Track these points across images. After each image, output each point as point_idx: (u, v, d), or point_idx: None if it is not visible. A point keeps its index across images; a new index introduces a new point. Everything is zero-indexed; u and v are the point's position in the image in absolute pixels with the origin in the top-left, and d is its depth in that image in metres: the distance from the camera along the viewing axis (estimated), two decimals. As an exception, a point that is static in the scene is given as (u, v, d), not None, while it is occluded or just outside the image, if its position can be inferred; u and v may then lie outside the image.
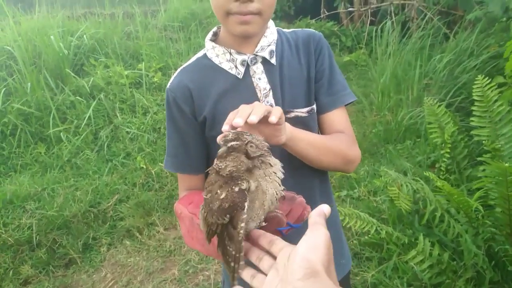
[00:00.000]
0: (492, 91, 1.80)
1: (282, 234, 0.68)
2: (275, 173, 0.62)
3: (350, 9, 6.14)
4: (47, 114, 3.70)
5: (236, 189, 0.59)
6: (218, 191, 0.60)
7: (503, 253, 1.57)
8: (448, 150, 2.08)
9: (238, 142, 0.60)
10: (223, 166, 0.60)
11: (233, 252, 0.59)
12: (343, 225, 1.82)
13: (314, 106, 0.92)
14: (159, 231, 2.75)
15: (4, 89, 3.75)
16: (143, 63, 4.35)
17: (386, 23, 4.65)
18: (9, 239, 2.61)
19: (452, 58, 3.58)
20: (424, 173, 1.76)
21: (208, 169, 0.65)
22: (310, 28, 4.56)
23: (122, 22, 5.43)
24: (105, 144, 3.53)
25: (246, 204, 0.58)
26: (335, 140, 0.89)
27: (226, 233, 0.60)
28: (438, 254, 1.63)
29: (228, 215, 0.59)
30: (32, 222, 2.71)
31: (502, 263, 1.59)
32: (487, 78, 1.83)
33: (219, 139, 0.62)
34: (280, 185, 0.63)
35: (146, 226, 2.80)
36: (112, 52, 4.53)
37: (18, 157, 3.45)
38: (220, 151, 0.61)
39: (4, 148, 3.48)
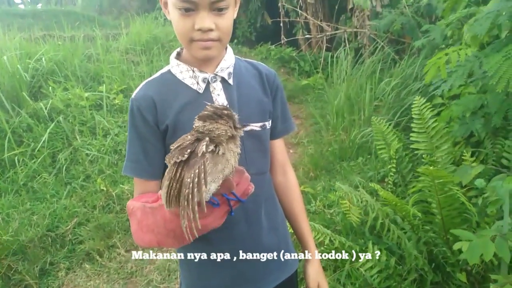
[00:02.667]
0: (427, 110, 2.01)
1: (230, 208, 0.78)
2: (237, 149, 0.74)
3: (308, 36, 6.47)
4: (2, 137, 3.60)
5: (204, 143, 0.69)
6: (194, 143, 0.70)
7: (441, 256, 1.73)
8: (394, 165, 2.26)
9: (228, 112, 0.73)
10: (212, 128, 0.70)
11: (192, 176, 0.64)
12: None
13: (266, 123, 1.04)
14: (120, 253, 2.72)
15: (-45, 112, 3.62)
16: (104, 85, 4.35)
17: (340, 49, 4.96)
18: (-41, 267, 2.49)
19: (399, 82, 3.88)
20: (370, 185, 1.91)
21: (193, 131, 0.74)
22: (270, 53, 4.73)
23: (83, 45, 5.42)
24: (64, 167, 3.47)
25: (207, 138, 0.68)
26: (302, 202, 1.18)
27: (186, 167, 0.67)
28: (386, 260, 1.77)
29: (188, 150, 0.67)
30: (-15, 248, 2.61)
31: (442, 265, 1.75)
32: (423, 98, 2.05)
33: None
34: (236, 161, 0.74)
35: (106, 248, 2.77)
36: (72, 75, 4.50)
37: (-30, 182, 3.32)
38: (209, 113, 0.72)
39: (-46, 173, 3.34)
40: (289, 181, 1.15)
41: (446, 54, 1.79)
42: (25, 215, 2.93)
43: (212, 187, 0.71)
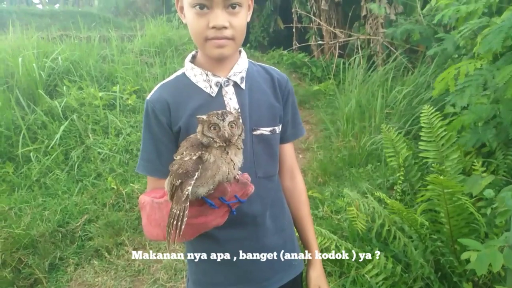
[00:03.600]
0: (436, 118, 2.01)
1: (230, 208, 0.81)
2: (232, 159, 0.78)
3: (320, 42, 6.49)
4: (17, 133, 3.68)
5: (194, 157, 0.73)
6: (184, 153, 0.75)
7: (448, 265, 1.72)
8: (403, 173, 2.26)
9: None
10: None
11: (177, 211, 0.71)
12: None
13: (276, 128, 1.06)
14: (128, 251, 2.76)
15: (-27, 107, 3.72)
16: (118, 85, 4.42)
17: (353, 56, 4.97)
18: (-28, 258, 2.55)
19: (412, 90, 3.87)
20: (376, 194, 1.91)
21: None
22: (283, 58, 4.76)
23: (98, 46, 5.51)
24: (76, 165, 3.53)
25: (197, 173, 0.72)
26: (308, 207, 1.20)
27: (175, 196, 0.73)
28: (392, 267, 1.77)
29: (179, 180, 0.73)
30: (-3, 241, 2.67)
31: (449, 275, 1.74)
32: (432, 107, 2.05)
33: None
34: (234, 169, 0.78)
35: (115, 246, 2.81)
36: (86, 74, 4.58)
37: (-15, 176, 3.40)
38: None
39: (-30, 167, 3.42)
40: (297, 185, 1.17)
41: (456, 69, 1.80)
42: (37, 210, 2.99)
43: (200, 190, 0.76)
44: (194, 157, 0.74)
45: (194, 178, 0.72)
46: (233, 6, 0.91)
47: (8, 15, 7.30)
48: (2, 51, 4.54)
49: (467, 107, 2.55)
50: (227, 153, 0.77)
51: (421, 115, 2.08)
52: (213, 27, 0.90)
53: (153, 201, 0.87)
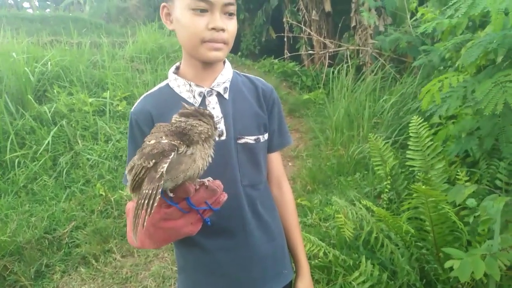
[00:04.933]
0: (424, 129, 2.07)
1: (202, 217, 0.78)
2: (210, 150, 0.75)
3: (310, 51, 6.58)
4: (4, 138, 3.65)
5: (174, 142, 0.68)
6: (162, 138, 0.69)
7: (433, 273, 1.75)
8: (389, 182, 2.30)
9: (210, 112, 0.76)
10: (195, 124, 0.72)
11: (149, 191, 0.65)
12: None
13: (261, 137, 1.07)
14: (115, 258, 2.74)
15: (-40, 111, 3.68)
16: (108, 91, 4.41)
17: (342, 66, 5.05)
18: (-45, 265, 2.51)
19: (399, 100, 3.94)
20: (363, 202, 1.95)
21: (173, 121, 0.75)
22: (273, 66, 4.79)
23: (89, 51, 5.50)
24: (64, 171, 3.50)
25: (173, 153, 0.67)
26: (296, 217, 1.20)
27: (147, 177, 0.67)
28: (378, 275, 1.79)
29: (153, 160, 0.67)
30: (-18, 248, 2.63)
31: (434, 282, 1.77)
32: (420, 118, 2.10)
33: None
34: (206, 166, 0.74)
35: (102, 253, 2.79)
36: (77, 80, 4.57)
37: (-30, 181, 3.35)
38: (191, 111, 0.74)
39: (-45, 172, 3.37)
40: (284, 195, 1.18)
41: (439, 81, 1.85)
42: (24, 216, 2.96)
43: (167, 184, 0.71)
44: (173, 142, 0.69)
45: (170, 158, 0.67)
46: (230, 14, 0.95)
47: (-2, 19, 7.25)
48: (-9, 55, 4.51)
49: (452, 118, 2.62)
50: (208, 147, 0.74)
51: (409, 125, 2.13)
52: (213, 29, 0.92)
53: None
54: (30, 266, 2.64)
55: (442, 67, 3.65)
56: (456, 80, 1.78)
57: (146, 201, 0.64)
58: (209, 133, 0.74)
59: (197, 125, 0.73)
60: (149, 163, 0.68)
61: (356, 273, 1.80)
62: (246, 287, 1.06)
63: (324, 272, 2.05)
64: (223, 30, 0.93)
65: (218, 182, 0.79)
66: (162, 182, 0.66)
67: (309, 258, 2.17)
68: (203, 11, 0.92)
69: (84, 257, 2.75)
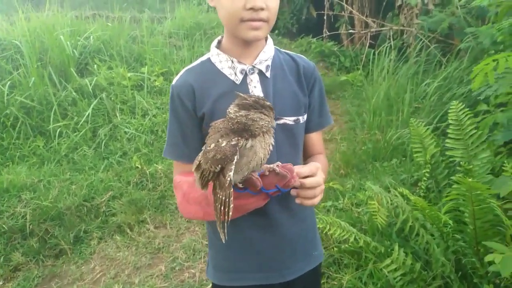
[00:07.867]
0: (466, 115, 1.94)
1: (269, 196, 0.82)
2: (271, 140, 0.77)
3: (351, 31, 6.34)
4: (48, 109, 3.81)
5: (233, 142, 0.72)
6: (220, 140, 0.73)
7: (470, 266, 1.68)
8: (428, 170, 2.20)
9: (270, 103, 0.78)
10: (256, 117, 0.74)
11: (223, 198, 0.72)
12: (325, 232, 1.94)
13: (300, 118, 1.04)
14: (149, 229, 2.84)
15: (9, 82, 3.86)
16: (146, 67, 4.48)
17: (384, 46, 4.84)
18: (3, 226, 2.69)
19: (443, 84, 3.74)
20: (399, 189, 1.88)
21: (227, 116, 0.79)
22: (311, 46, 4.66)
23: (129, 26, 5.58)
24: (103, 142, 3.63)
25: (235, 157, 0.72)
26: (324, 165, 1.11)
27: (218, 182, 0.73)
28: (411, 264, 1.74)
29: (219, 165, 0.72)
30: (27, 212, 2.79)
31: (470, 276, 1.70)
32: (462, 104, 1.98)
33: None
34: (268, 155, 0.78)
35: (137, 223, 2.89)
36: (116, 54, 4.66)
37: (17, 148, 3.54)
38: (251, 102, 0.75)
39: (3, 139, 3.57)
40: (320, 156, 1.14)
41: (494, 60, 1.71)
42: (65, 184, 3.11)
43: (234, 177, 0.76)
44: (232, 143, 0.74)
45: (234, 162, 0.72)
46: None
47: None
48: (38, 28, 4.67)
49: (501, 106, 2.45)
50: (273, 136, 0.78)
51: (449, 111, 2.00)
52: (251, 8, 0.89)
53: (193, 180, 0.88)
54: (69, 231, 2.78)
55: (493, 51, 3.41)
56: (512, 60, 1.63)
57: (222, 207, 0.74)
58: (270, 125, 0.76)
59: (258, 119, 0.74)
60: (216, 168, 0.74)
61: (388, 260, 1.76)
62: (277, 266, 1.06)
63: (354, 257, 2.02)
64: (262, 8, 0.90)
65: (289, 166, 0.83)
66: (232, 190, 0.74)
67: (338, 243, 2.15)
68: None
69: (120, 226, 2.87)
